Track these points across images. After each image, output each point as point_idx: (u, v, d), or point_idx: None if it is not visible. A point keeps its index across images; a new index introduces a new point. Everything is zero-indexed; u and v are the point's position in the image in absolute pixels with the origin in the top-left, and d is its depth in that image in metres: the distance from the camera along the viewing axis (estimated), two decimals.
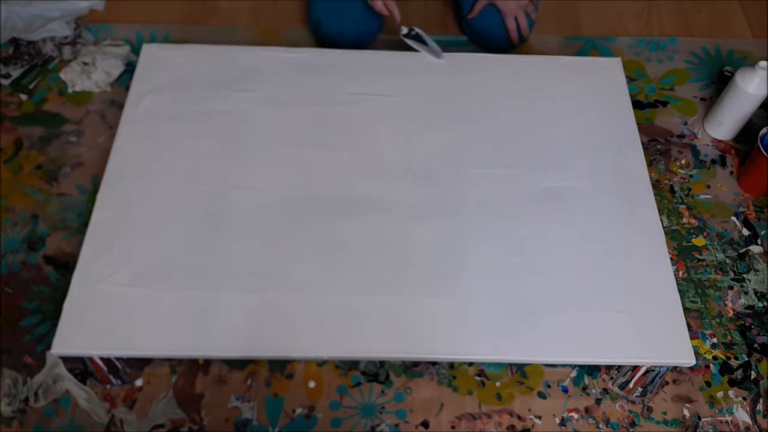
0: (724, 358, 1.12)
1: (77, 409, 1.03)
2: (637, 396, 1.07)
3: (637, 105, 1.41)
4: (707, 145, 1.38)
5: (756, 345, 1.14)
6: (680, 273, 1.20)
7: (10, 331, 1.09)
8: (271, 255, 1.02)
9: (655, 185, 1.30)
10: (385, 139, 1.16)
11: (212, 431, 1.02)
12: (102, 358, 0.97)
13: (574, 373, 1.10)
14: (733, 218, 1.28)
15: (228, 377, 1.06)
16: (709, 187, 1.32)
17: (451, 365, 1.09)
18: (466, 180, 1.12)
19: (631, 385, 1.06)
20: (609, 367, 1.09)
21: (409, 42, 1.27)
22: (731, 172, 1.34)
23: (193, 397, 1.05)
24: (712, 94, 1.45)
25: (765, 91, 1.28)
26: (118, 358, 0.99)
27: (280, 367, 1.08)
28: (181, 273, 1.00)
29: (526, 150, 1.16)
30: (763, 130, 1.25)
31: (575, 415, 1.06)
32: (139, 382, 1.05)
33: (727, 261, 1.22)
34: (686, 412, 1.07)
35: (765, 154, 1.22)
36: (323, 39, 1.42)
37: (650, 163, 1.33)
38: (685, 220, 1.27)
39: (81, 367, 1.05)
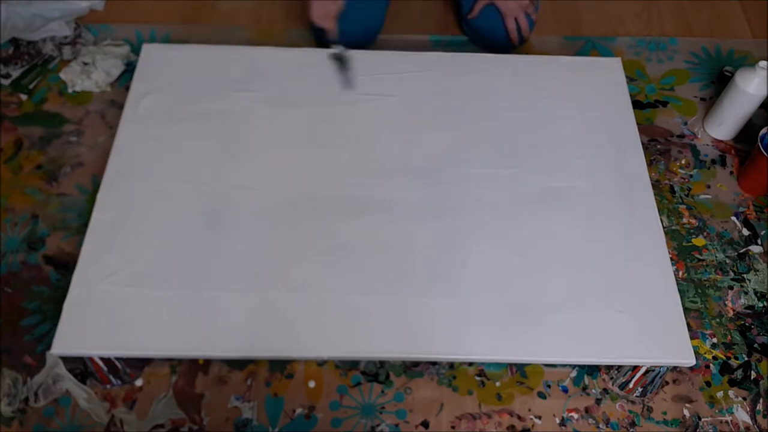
0: (724, 358, 1.12)
1: (77, 409, 1.03)
2: (637, 396, 1.07)
3: (637, 105, 1.41)
4: (707, 145, 1.38)
5: (756, 345, 1.14)
6: (680, 273, 1.20)
7: (10, 331, 1.09)
8: (271, 255, 1.02)
9: (655, 185, 1.30)
10: (385, 139, 1.16)
11: (212, 431, 1.02)
12: (102, 358, 0.97)
13: (574, 373, 1.10)
14: (733, 218, 1.28)
15: (228, 377, 1.06)
16: (709, 187, 1.32)
17: (451, 365, 1.09)
18: (466, 180, 1.12)
19: (631, 385, 1.05)
20: (609, 367, 1.09)
21: (331, 60, 1.24)
22: (731, 172, 1.34)
23: (193, 397, 1.05)
24: (712, 94, 1.45)
25: (765, 91, 1.28)
26: (118, 358, 0.99)
27: (280, 367, 1.08)
28: (181, 273, 1.00)
29: (526, 150, 1.16)
30: (763, 130, 1.25)
31: (575, 415, 1.06)
32: (139, 382, 1.05)
33: (727, 261, 1.22)
34: (686, 412, 1.07)
35: (765, 154, 1.22)
36: (323, 39, 1.42)
37: (650, 163, 1.32)
38: (685, 220, 1.27)
39: (81, 367, 1.05)
